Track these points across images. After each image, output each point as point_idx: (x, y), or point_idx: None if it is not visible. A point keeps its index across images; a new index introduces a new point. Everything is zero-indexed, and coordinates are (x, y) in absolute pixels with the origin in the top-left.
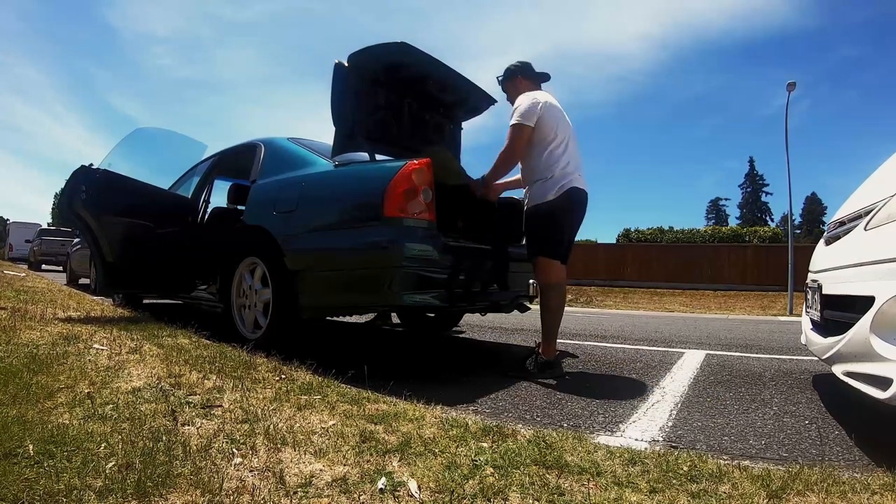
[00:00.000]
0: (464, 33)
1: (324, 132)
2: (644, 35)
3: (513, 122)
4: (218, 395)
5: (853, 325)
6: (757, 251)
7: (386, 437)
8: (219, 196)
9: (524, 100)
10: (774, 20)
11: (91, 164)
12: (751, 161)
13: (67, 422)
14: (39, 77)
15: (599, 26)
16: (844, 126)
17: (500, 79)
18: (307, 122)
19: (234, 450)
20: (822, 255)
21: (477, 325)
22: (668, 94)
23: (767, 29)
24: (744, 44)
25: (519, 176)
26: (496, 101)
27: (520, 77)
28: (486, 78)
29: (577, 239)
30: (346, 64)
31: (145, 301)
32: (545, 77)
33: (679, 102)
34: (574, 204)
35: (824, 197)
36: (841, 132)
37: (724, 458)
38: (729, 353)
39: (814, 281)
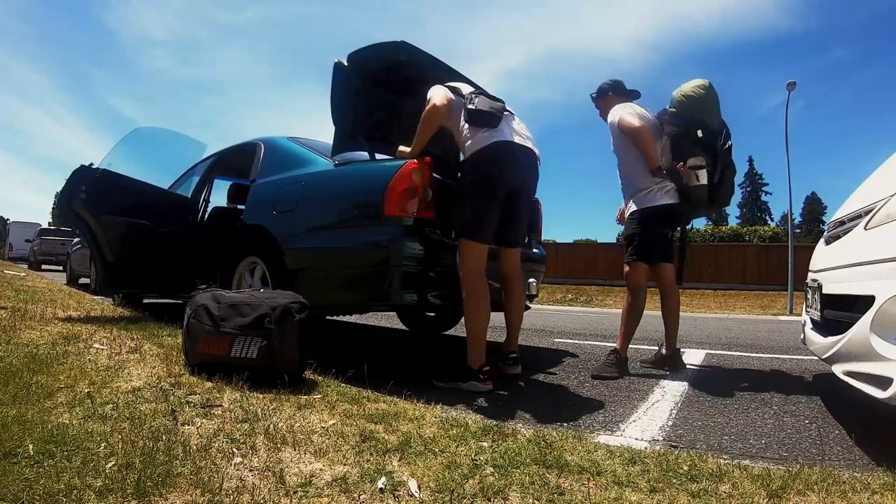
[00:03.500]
0: (457, 35)
1: (321, 132)
2: (635, 38)
3: (633, 126)
4: (218, 395)
5: (853, 324)
6: (757, 250)
7: (386, 437)
8: (218, 195)
9: (622, 109)
10: (765, 23)
11: (91, 164)
12: (750, 160)
13: (67, 421)
14: (39, 78)
15: (590, 29)
16: (838, 126)
17: (593, 96)
18: (304, 122)
19: (234, 449)
20: (823, 255)
21: None
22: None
23: (758, 32)
24: (735, 46)
25: None
26: None
27: (611, 94)
28: (483, 78)
29: (576, 239)
30: (346, 63)
31: (145, 301)
32: (636, 94)
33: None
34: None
35: (824, 197)
36: (835, 132)
37: (725, 457)
38: (729, 353)
39: (814, 280)
